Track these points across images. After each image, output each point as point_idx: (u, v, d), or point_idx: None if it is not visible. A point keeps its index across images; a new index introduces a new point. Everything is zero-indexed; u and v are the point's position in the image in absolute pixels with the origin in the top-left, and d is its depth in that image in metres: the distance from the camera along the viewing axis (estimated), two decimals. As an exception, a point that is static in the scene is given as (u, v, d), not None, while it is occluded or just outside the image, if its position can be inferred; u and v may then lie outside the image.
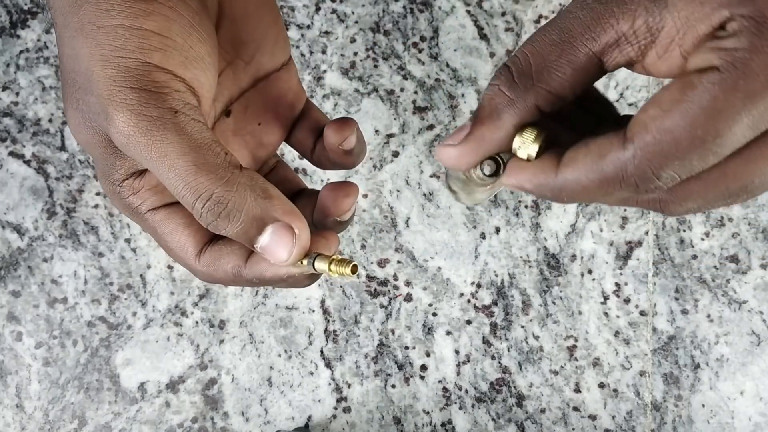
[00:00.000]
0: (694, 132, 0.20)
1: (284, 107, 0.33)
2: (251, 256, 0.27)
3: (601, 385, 0.73)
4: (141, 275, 0.73)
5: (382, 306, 0.74)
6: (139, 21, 0.23)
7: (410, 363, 0.73)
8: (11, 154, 0.73)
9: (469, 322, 0.74)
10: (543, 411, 0.73)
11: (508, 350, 0.73)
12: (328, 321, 0.73)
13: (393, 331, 0.73)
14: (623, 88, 0.76)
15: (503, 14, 0.77)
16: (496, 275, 0.74)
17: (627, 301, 0.74)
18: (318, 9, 0.76)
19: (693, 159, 0.20)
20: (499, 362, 0.73)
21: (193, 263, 0.28)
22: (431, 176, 0.75)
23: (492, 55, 0.77)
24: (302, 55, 0.76)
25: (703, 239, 0.75)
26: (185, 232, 0.28)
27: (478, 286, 0.74)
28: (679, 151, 0.20)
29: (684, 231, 0.75)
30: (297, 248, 0.25)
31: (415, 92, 0.76)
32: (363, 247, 0.74)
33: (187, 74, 0.25)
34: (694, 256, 0.75)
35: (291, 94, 0.33)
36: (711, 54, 0.20)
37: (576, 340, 0.74)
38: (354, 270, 0.26)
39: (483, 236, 0.74)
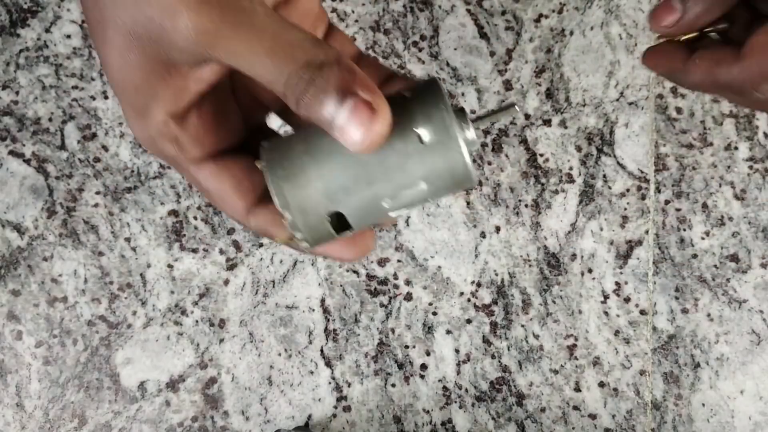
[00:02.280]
0: None
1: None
2: None
3: (601, 384, 0.73)
4: (141, 274, 0.73)
5: (382, 305, 0.74)
6: None
7: (410, 362, 0.73)
8: (11, 153, 0.73)
9: (469, 321, 0.74)
10: (543, 410, 0.73)
11: (508, 349, 0.73)
12: (328, 320, 0.73)
13: (393, 330, 0.73)
14: (623, 87, 0.76)
15: (503, 13, 0.77)
16: (496, 274, 0.74)
17: (627, 300, 0.74)
18: (318, 8, 0.76)
19: None
20: (499, 361, 0.73)
21: (244, 222, 0.27)
22: (431, 175, 0.75)
23: (492, 54, 0.77)
24: (302, 54, 0.76)
25: (703, 238, 0.75)
26: (235, 195, 0.27)
27: (478, 285, 0.74)
28: None
29: (684, 230, 0.75)
30: (378, 127, 0.23)
31: (415, 91, 0.76)
32: (363, 246, 0.74)
33: None
34: (695, 255, 0.75)
35: (311, 16, 0.31)
36: None
37: (576, 339, 0.74)
38: None
39: (483, 235, 0.74)
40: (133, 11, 0.23)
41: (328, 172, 0.25)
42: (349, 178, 0.25)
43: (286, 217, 0.25)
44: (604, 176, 0.75)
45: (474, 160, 0.30)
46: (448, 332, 0.73)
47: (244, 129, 0.29)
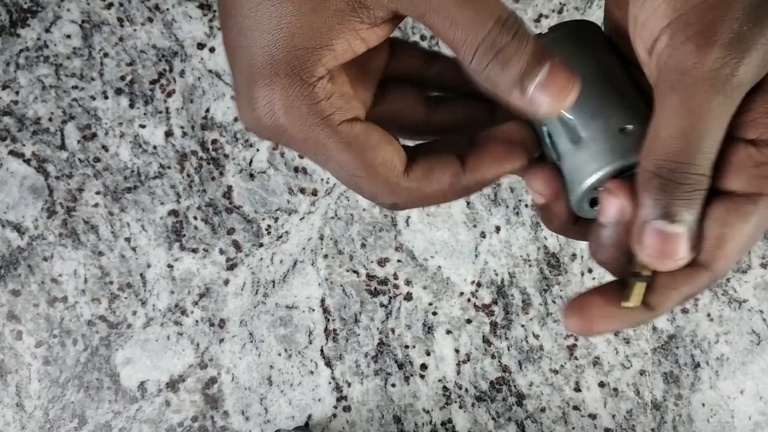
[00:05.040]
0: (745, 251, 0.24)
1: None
2: (468, 162, 0.26)
3: (601, 384, 0.73)
4: (141, 274, 0.73)
5: (382, 305, 0.73)
6: None
7: (410, 362, 0.73)
8: (11, 152, 0.73)
9: (469, 321, 0.74)
10: (543, 410, 0.73)
11: (508, 349, 0.73)
12: (328, 320, 0.73)
13: (393, 330, 0.73)
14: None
15: (503, 13, 0.77)
16: (496, 274, 0.74)
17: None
18: (318, 8, 0.76)
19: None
20: (499, 361, 0.73)
21: (400, 179, 0.25)
22: (431, 175, 0.75)
23: (492, 53, 0.77)
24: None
25: (703, 238, 0.75)
26: (390, 147, 0.24)
27: (478, 285, 0.74)
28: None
29: (684, 230, 0.75)
30: (575, 89, 0.23)
31: (415, 91, 0.76)
32: (363, 246, 0.74)
33: None
34: (695, 255, 0.75)
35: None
36: (757, 181, 0.23)
37: (576, 339, 0.74)
38: None
39: (483, 235, 0.74)
40: None
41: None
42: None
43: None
44: (604, 176, 0.75)
45: None
46: (448, 332, 0.73)
47: (372, 97, 0.27)
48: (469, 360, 0.73)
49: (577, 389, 0.73)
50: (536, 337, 0.73)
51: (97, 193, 0.73)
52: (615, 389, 0.73)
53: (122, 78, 0.75)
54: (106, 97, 0.75)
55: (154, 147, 0.75)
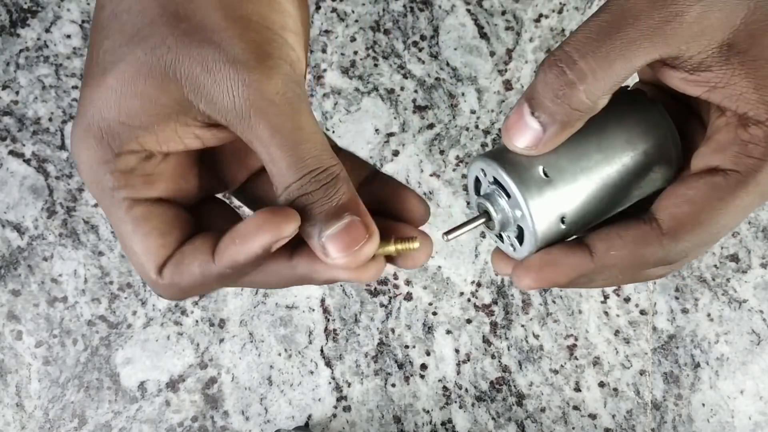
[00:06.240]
0: (722, 230, 0.24)
1: None
2: (219, 245, 0.24)
3: (601, 384, 0.73)
4: (141, 274, 0.73)
5: (382, 305, 0.74)
6: None
7: (410, 362, 0.73)
8: (11, 153, 0.73)
9: (469, 321, 0.74)
10: (543, 410, 0.73)
11: (508, 349, 0.74)
12: (328, 320, 0.73)
13: (393, 330, 0.73)
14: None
15: (503, 13, 0.77)
16: (496, 274, 0.74)
17: (627, 300, 0.74)
18: (318, 8, 0.76)
19: (710, 247, 0.26)
20: (499, 361, 0.73)
21: (154, 276, 0.24)
22: (431, 175, 0.75)
23: (492, 54, 0.77)
24: (302, 53, 0.75)
25: (703, 238, 0.75)
26: (159, 241, 0.24)
27: (478, 285, 0.74)
28: (708, 245, 0.25)
29: (684, 230, 0.75)
30: (366, 249, 0.23)
31: (415, 91, 0.76)
32: (363, 246, 0.74)
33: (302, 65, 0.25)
34: (695, 255, 0.75)
35: None
36: (737, 159, 0.24)
37: (576, 339, 0.74)
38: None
39: (483, 235, 0.74)
40: (182, 56, 0.22)
41: None
42: None
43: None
44: (604, 176, 0.75)
45: None
46: (448, 332, 0.73)
47: (194, 195, 0.27)
48: (469, 360, 0.73)
49: (577, 389, 0.73)
50: (536, 337, 0.74)
51: (97, 193, 0.73)
52: (615, 389, 0.73)
53: (122, 78, 0.75)
54: (106, 97, 0.75)
55: (154, 147, 0.75)
